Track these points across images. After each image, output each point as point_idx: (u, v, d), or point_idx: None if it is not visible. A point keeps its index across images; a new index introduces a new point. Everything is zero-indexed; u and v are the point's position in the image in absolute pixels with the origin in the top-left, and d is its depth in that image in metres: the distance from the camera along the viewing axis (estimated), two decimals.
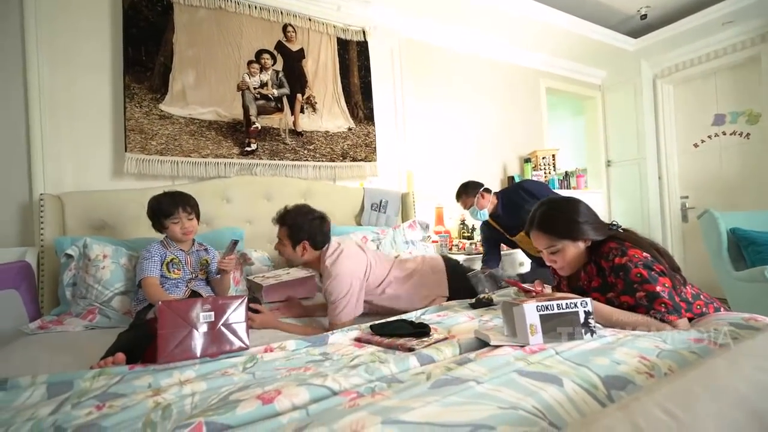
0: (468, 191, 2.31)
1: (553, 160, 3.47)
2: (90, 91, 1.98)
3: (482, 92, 3.37)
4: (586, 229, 1.17)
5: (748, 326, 0.92)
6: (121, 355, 0.97)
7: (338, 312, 1.39)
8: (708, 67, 3.49)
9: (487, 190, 2.31)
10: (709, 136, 3.58)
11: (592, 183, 4.04)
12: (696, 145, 3.67)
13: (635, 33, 3.68)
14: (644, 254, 1.11)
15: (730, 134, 3.45)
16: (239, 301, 1.05)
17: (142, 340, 1.06)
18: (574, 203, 1.22)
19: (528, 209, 2.24)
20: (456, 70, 3.23)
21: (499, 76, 3.48)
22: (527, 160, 3.46)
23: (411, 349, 0.95)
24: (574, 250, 1.19)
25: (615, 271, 1.12)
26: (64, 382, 0.79)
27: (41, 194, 1.78)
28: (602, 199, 4.02)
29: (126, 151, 1.96)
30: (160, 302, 0.96)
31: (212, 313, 0.98)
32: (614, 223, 1.26)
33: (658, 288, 1.05)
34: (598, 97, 4.16)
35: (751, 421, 0.47)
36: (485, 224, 2.41)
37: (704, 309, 1.16)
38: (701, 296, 1.19)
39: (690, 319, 1.13)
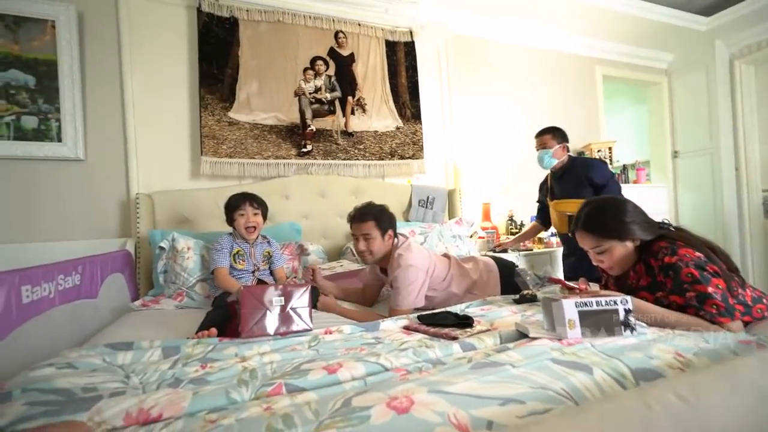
0: (556, 135, 2.23)
1: (610, 152, 3.30)
2: (172, 104, 2.28)
3: (532, 84, 3.29)
4: (633, 229, 1.17)
5: None
6: (213, 330, 1.18)
7: (400, 299, 1.49)
8: None
9: (568, 148, 2.26)
10: None
11: (655, 176, 3.77)
12: None
13: (707, 11, 3.36)
14: (696, 254, 1.10)
15: None
16: (304, 289, 1.20)
17: (225, 319, 1.27)
18: (619, 202, 1.22)
19: (576, 195, 2.17)
20: (505, 62, 3.19)
21: (550, 67, 3.36)
22: (581, 154, 3.32)
23: (455, 338, 1.04)
24: (621, 249, 1.19)
25: (664, 270, 1.12)
26: (173, 347, 1.00)
27: (137, 193, 2.10)
28: (667, 193, 3.72)
29: (201, 154, 2.24)
30: (242, 286, 1.14)
31: (283, 297, 1.15)
32: (665, 221, 1.24)
33: (710, 289, 1.04)
34: (664, 82, 3.85)
35: None
36: (543, 181, 2.39)
37: (766, 313, 1.12)
38: (763, 300, 1.14)
39: (748, 323, 1.10)
